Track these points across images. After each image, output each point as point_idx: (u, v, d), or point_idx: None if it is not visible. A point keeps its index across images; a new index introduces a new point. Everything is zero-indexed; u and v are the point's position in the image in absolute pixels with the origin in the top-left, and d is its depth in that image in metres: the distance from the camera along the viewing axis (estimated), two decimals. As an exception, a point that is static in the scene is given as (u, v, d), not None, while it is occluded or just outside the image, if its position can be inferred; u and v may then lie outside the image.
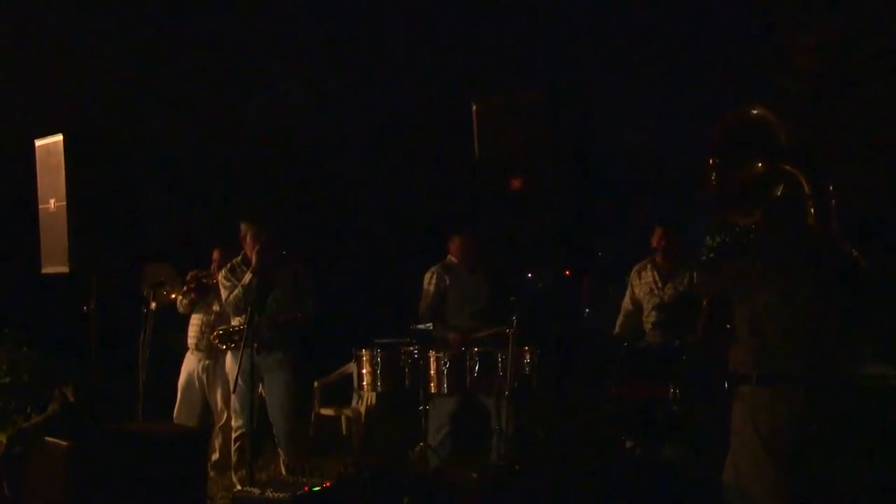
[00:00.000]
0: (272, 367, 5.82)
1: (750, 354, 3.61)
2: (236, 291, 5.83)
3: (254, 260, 5.78)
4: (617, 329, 6.47)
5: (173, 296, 6.64)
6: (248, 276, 5.78)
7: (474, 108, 5.40)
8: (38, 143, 4.91)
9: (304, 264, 6.10)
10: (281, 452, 5.97)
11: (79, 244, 4.69)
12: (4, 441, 6.00)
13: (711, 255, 3.87)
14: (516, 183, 5.40)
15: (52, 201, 4.78)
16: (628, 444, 5.77)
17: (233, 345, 5.90)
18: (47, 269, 4.92)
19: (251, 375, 5.56)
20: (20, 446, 5.53)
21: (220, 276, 6.03)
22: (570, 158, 5.28)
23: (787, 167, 3.61)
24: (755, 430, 3.53)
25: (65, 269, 4.75)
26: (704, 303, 3.87)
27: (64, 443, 4.34)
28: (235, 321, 5.99)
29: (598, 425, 6.13)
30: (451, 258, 6.59)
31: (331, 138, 14.59)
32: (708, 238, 3.93)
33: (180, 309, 6.70)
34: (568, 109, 5.30)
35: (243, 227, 5.96)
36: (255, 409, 5.65)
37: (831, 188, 3.59)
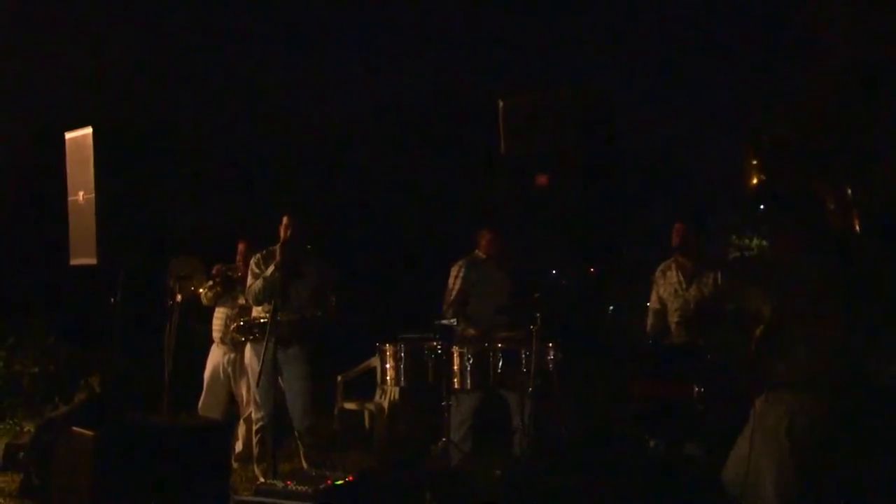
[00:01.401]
0: (290, 362, 5.84)
1: (801, 364, 3.69)
2: (258, 282, 5.86)
3: (278, 253, 5.81)
4: (648, 329, 6.45)
5: (200, 290, 6.68)
6: (270, 269, 5.81)
7: (501, 104, 5.39)
8: (68, 135, 4.97)
9: (328, 260, 6.12)
10: (300, 446, 6.00)
11: (106, 236, 4.73)
12: (33, 430, 6.08)
13: (739, 265, 3.94)
14: (542, 180, 5.39)
15: (81, 193, 4.83)
16: (651, 442, 5.75)
17: (252, 337, 5.93)
18: (75, 261, 4.98)
19: (272, 368, 5.59)
20: (48, 436, 5.61)
21: (252, 262, 6.05)
22: (596, 156, 5.26)
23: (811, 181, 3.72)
24: (787, 433, 3.63)
25: (93, 261, 4.80)
26: (767, 315, 3.89)
27: (90, 433, 4.38)
28: (255, 312, 6.03)
29: (621, 423, 6.11)
30: (479, 253, 6.56)
31: (355, 133, 14.63)
32: (734, 237, 3.95)
33: (204, 301, 6.74)
34: (594, 108, 5.28)
35: (286, 219, 5.97)
36: (275, 402, 5.69)
37: (849, 191, 3.65)
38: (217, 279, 6.69)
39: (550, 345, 5.87)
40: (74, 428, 4.53)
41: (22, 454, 6.11)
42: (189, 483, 4.46)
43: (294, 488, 4.34)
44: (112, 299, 5.07)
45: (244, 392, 6.60)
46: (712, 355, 5.45)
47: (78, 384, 6.44)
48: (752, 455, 3.70)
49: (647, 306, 6.56)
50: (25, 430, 7.70)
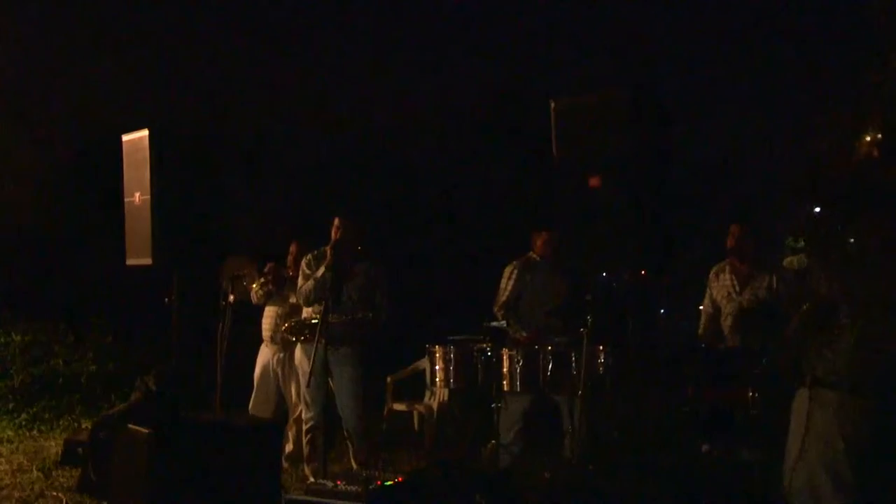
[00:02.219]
0: (340, 362, 5.87)
1: (849, 365, 3.60)
2: (308, 283, 5.90)
3: (328, 255, 5.84)
4: (700, 332, 6.36)
5: (253, 286, 6.74)
6: (321, 270, 5.84)
7: (553, 105, 5.35)
8: (125, 138, 5.05)
9: (380, 262, 6.14)
10: (350, 446, 6.03)
11: (162, 237, 4.80)
12: (91, 427, 6.20)
13: (801, 260, 3.85)
14: (595, 181, 5.34)
15: (138, 195, 4.91)
16: (704, 447, 5.67)
17: (302, 337, 5.96)
18: (132, 261, 5.06)
19: (323, 369, 5.62)
20: (105, 433, 5.71)
21: (303, 263, 6.10)
22: (650, 157, 5.20)
23: None
24: (840, 435, 3.55)
25: (148, 261, 4.87)
26: (822, 293, 3.82)
27: (145, 430, 4.45)
28: (305, 313, 6.06)
29: (674, 427, 6.04)
30: (533, 255, 6.51)
31: (408, 134, 14.67)
32: (790, 239, 3.87)
33: (254, 300, 6.79)
34: (647, 108, 5.22)
35: (337, 220, 6.00)
36: (325, 403, 5.72)
37: None
38: (269, 276, 6.74)
39: (601, 347, 5.82)
40: (130, 425, 4.60)
41: (80, 450, 6.23)
42: (241, 480, 4.51)
43: (344, 488, 4.36)
44: (166, 299, 5.14)
45: (293, 392, 6.65)
46: (767, 359, 5.36)
47: (134, 383, 6.54)
48: (806, 460, 3.63)
49: (700, 309, 6.48)
50: (84, 426, 7.86)
